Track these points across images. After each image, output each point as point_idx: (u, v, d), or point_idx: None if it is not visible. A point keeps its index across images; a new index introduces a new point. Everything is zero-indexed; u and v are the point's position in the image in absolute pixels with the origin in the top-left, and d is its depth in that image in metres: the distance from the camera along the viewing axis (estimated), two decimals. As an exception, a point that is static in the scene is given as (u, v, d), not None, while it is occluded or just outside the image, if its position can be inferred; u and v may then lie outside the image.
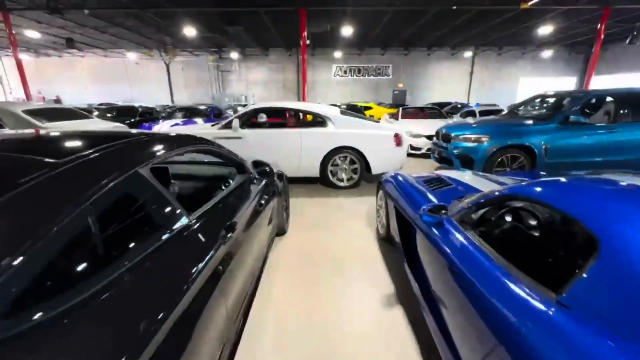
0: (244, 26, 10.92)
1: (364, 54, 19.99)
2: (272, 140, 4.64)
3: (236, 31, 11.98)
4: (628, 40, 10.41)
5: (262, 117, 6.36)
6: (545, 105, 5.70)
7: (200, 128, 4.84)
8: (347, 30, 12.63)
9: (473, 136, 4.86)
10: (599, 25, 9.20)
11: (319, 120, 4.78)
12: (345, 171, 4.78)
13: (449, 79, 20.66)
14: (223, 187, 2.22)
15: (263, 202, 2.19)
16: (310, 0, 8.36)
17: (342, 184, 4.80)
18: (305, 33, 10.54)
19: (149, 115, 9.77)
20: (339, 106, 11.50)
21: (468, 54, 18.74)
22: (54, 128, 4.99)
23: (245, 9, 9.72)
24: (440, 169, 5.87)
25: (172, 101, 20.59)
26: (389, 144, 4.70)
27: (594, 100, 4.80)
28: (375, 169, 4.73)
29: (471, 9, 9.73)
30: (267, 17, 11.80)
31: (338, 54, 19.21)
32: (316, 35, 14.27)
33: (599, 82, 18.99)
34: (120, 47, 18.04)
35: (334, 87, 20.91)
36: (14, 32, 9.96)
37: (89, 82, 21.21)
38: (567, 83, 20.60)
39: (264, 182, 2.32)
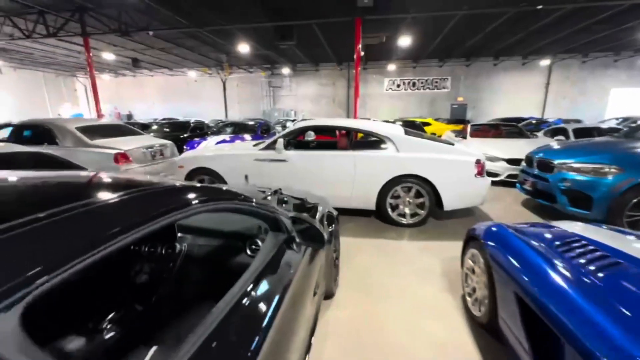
0: (296, 41, 10.66)
1: (419, 66, 18.76)
2: (320, 164, 3.90)
3: (288, 46, 11.82)
4: None
5: (310, 136, 5.72)
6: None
7: (242, 149, 4.31)
8: (404, 41, 11.72)
9: (591, 166, 3.57)
10: None
11: (377, 142, 3.93)
12: (409, 205, 3.82)
13: (518, 91, 18.34)
14: (248, 251, 1.48)
15: (305, 283, 1.39)
16: (368, 9, 7.69)
17: (404, 220, 3.84)
18: (360, 45, 9.89)
19: (200, 130, 9.84)
20: (393, 122, 10.57)
21: (544, 62, 16.40)
22: (101, 145, 4.89)
23: (298, 22, 9.42)
24: (528, 205, 4.57)
25: (226, 116, 21.44)
26: (467, 173, 3.65)
27: None
28: (448, 205, 3.70)
29: (561, 7, 8.16)
30: (320, 30, 11.45)
31: (391, 67, 18.28)
32: (370, 47, 13.59)
33: None
34: (182, 67, 19.37)
35: (385, 101, 19.92)
36: (91, 54, 10.94)
37: (156, 99, 23.18)
38: (677, 94, 16.88)
39: (308, 252, 1.52)
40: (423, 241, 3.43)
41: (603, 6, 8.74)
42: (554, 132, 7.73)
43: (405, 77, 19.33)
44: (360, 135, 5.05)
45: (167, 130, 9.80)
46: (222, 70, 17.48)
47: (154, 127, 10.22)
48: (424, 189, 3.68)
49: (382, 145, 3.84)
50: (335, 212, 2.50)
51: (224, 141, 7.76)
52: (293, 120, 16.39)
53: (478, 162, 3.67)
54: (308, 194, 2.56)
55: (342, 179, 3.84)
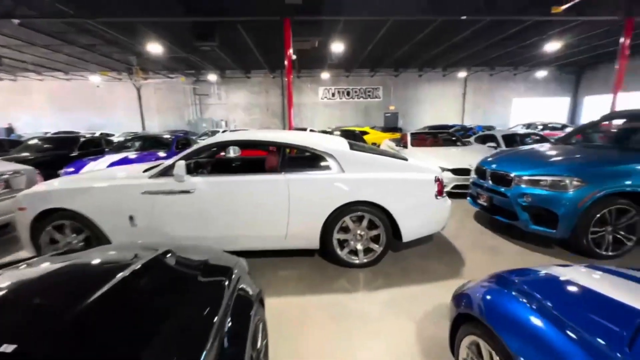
0: (218, 42, 9.37)
1: (352, 76, 18.92)
2: (240, 195, 2.81)
3: (211, 48, 10.43)
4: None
5: (233, 153, 4.57)
6: (621, 129, 4.18)
7: (126, 177, 2.96)
8: (337, 47, 11.34)
9: (549, 178, 3.21)
10: (622, 39, 8.19)
11: (316, 160, 3.01)
12: (362, 240, 2.98)
13: (441, 100, 19.80)
14: None
15: None
16: (297, 8, 6.94)
17: (356, 260, 2.98)
18: (291, 50, 9.10)
19: (96, 146, 7.80)
20: (331, 132, 9.90)
21: (460, 74, 17.96)
22: None
23: (217, 18, 8.19)
24: (482, 220, 4.17)
25: (143, 127, 18.62)
26: (427, 194, 2.98)
27: None
28: (408, 235, 2.96)
29: (481, 19, 8.57)
30: (246, 32, 10.35)
31: (325, 76, 18.03)
32: (302, 54, 12.96)
33: (593, 101, 18.54)
34: (83, 69, 16.17)
35: (322, 111, 19.59)
36: None
37: (49, 108, 19.02)
38: (561, 103, 20.12)
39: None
40: (385, 290, 2.59)
41: (510, 22, 9.54)
42: (484, 138, 7.92)
43: (339, 86, 19.30)
44: (299, 153, 4.11)
45: (48, 147, 7.52)
46: (134, 74, 15.00)
47: (32, 142, 7.79)
48: (379, 218, 2.88)
49: (323, 164, 2.95)
50: (255, 290, 1.49)
51: (124, 161, 6.07)
52: (224, 131, 14.80)
53: (437, 179, 3.03)
54: (212, 250, 1.54)
55: (273, 213, 2.82)
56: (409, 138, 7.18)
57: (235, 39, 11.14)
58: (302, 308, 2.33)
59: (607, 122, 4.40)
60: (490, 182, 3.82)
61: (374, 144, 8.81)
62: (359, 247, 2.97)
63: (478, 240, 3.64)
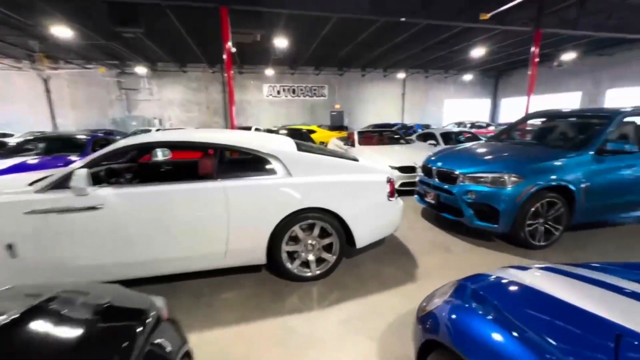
0: (144, 29, 8.26)
1: (297, 73, 18.64)
2: (166, 208, 2.32)
3: (135, 35, 9.17)
4: (556, 64, 11.00)
5: (161, 157, 3.93)
6: (546, 128, 4.60)
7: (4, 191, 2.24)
8: (280, 42, 10.92)
9: (490, 175, 3.32)
10: (532, 48, 9.31)
11: (259, 163, 2.65)
12: (313, 250, 2.71)
13: (383, 100, 20.66)
14: None
15: None
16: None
17: (308, 272, 2.70)
18: (230, 42, 8.43)
19: (-20, 150, 6.23)
20: (276, 131, 9.50)
21: (400, 75, 18.95)
22: None
23: (140, 0, 7.17)
24: (429, 217, 4.24)
25: (55, 126, 15.88)
26: (380, 196, 2.83)
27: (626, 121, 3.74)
28: (362, 241, 2.78)
29: (418, 22, 8.97)
30: (178, 19, 9.34)
31: (269, 72, 17.45)
32: (244, 48, 12.25)
33: (509, 103, 21.08)
34: (-35, 54, 13.08)
35: (267, 109, 18.96)
36: None
37: None
38: (484, 104, 22.54)
39: None
40: (341, 305, 2.36)
41: (444, 27, 10.22)
42: (424, 136, 8.32)
43: (284, 83, 18.86)
44: (241, 156, 3.67)
45: None
46: (37, 63, 12.52)
47: None
48: (331, 225, 2.63)
49: (268, 168, 2.60)
50: (176, 344, 1.11)
51: (18, 168, 4.92)
52: (157, 130, 13.31)
53: (389, 180, 2.90)
54: (117, 289, 1.15)
55: (208, 228, 2.38)
56: (356, 137, 7.15)
57: (167, 27, 10.01)
58: (250, 340, 1.97)
59: (530, 121, 4.83)
60: (436, 180, 3.87)
61: (322, 143, 8.66)
62: (311, 257, 2.69)
63: (428, 238, 3.65)
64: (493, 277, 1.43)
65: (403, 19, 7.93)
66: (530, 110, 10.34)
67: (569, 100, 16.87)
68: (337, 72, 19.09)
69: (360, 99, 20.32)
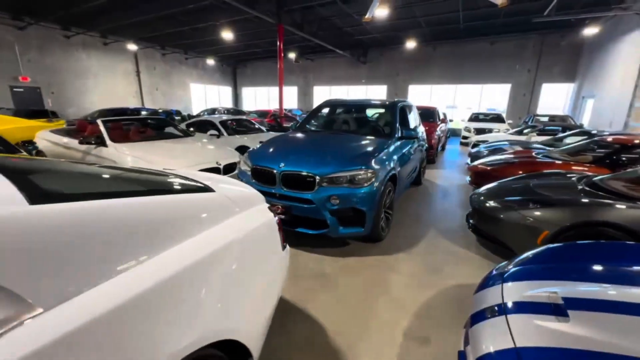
0: None
1: None
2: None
3: None
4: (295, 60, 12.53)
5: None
6: (335, 117, 4.77)
7: None
8: None
9: (349, 174, 2.83)
10: (278, 42, 10.05)
11: None
12: None
13: (111, 78, 15.62)
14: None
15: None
16: None
17: None
18: None
19: None
20: None
21: (130, 47, 14.83)
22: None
23: None
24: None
25: None
26: (273, 250, 1.52)
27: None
28: (256, 347, 1.37)
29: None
30: None
31: None
32: None
33: (248, 92, 23.04)
34: None
35: None
36: None
37: None
38: (227, 91, 23.12)
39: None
40: None
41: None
42: (201, 125, 6.84)
43: None
44: None
45: None
46: None
47: None
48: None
49: None
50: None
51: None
52: None
53: (275, 212, 1.63)
54: None
55: None
56: (102, 129, 4.44)
57: None
58: None
59: (327, 109, 4.89)
60: (282, 188, 2.90)
61: (26, 142, 4.70)
62: None
63: (296, 266, 2.69)
64: None
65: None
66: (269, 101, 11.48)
67: (287, 94, 20.78)
68: (10, 22, 11.83)
69: (72, 73, 14.09)
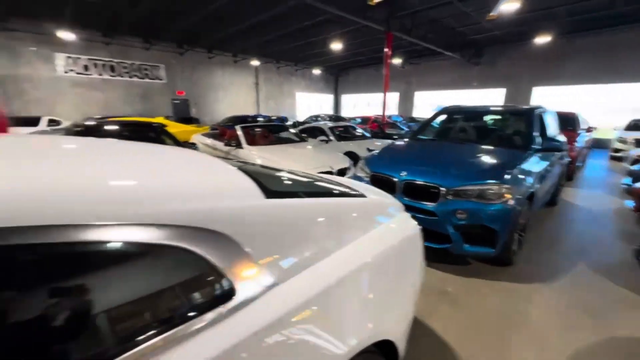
0: None
1: (115, 44, 13.61)
2: None
3: None
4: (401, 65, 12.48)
5: None
6: (459, 125, 4.47)
7: None
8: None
9: (479, 188, 2.62)
10: (385, 49, 10.10)
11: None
12: None
13: (235, 89, 18.54)
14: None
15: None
16: None
17: None
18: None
19: None
20: (82, 129, 6.31)
21: (253, 62, 17.32)
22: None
23: None
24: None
25: None
26: (415, 265, 1.53)
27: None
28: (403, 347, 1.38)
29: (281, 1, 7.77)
30: None
31: (67, 36, 11.76)
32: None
33: (348, 99, 23.73)
34: None
35: (69, 91, 12.99)
36: None
37: None
38: (328, 99, 24.43)
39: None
40: None
41: (313, 13, 9.57)
42: (311, 131, 7.41)
43: (95, 55, 13.37)
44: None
45: None
46: None
47: None
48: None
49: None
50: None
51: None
52: None
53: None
54: None
55: None
56: (240, 133, 5.30)
57: None
58: None
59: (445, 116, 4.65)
60: (403, 197, 2.89)
61: (188, 142, 6.11)
62: None
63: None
64: None
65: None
66: (385, 106, 11.45)
67: (389, 99, 20.52)
68: (176, 50, 15.35)
69: (211, 86, 17.38)
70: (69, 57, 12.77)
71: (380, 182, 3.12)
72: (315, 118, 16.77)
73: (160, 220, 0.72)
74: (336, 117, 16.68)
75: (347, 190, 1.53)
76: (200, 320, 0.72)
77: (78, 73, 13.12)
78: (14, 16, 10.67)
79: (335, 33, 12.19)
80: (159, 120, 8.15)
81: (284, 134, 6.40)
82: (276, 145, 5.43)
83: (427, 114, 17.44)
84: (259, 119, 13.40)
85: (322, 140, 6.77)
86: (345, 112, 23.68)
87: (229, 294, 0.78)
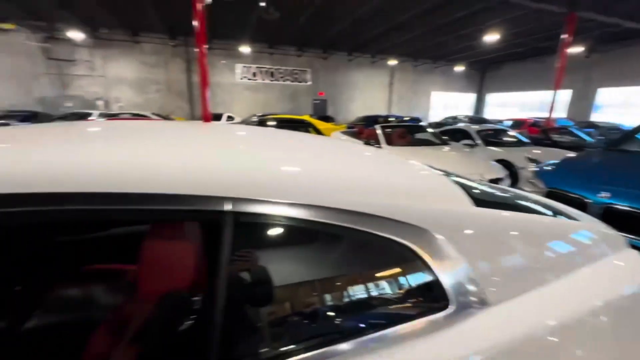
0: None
1: (277, 54, 16.24)
2: None
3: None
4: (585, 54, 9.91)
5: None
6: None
7: None
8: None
9: None
10: (563, 34, 8.09)
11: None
12: None
13: (369, 89, 19.00)
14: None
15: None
16: None
17: None
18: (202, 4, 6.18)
19: None
20: (258, 122, 7.57)
21: (390, 62, 17.29)
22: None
23: None
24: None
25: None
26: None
27: None
28: None
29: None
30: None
31: (245, 50, 14.85)
32: (216, 18, 9.75)
33: (494, 98, 20.53)
34: None
35: (241, 94, 16.40)
36: None
37: None
38: (468, 99, 21.86)
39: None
40: None
41: (462, 4, 8.69)
42: (452, 134, 6.76)
43: (261, 64, 16.37)
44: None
45: None
46: None
47: None
48: None
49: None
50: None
51: None
52: (107, 115, 10.46)
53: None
54: None
55: None
56: (380, 133, 5.36)
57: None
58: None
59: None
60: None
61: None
62: None
63: None
64: None
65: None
66: (554, 107, 9.27)
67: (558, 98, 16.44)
68: (321, 55, 16.98)
69: (347, 86, 18.45)
70: (245, 66, 16.09)
71: (562, 201, 2.51)
72: (454, 119, 15.30)
73: (392, 215, 0.75)
74: (478, 119, 14.72)
75: (559, 209, 1.29)
76: (411, 326, 0.72)
77: (249, 79, 16.39)
78: (214, 38, 14.22)
79: (492, 22, 10.65)
80: (306, 117, 9.25)
81: (422, 135, 6.09)
82: (415, 147, 5.22)
83: (611, 118, 13.22)
84: (390, 119, 13.28)
85: (465, 144, 6.08)
86: (488, 114, 20.61)
87: (444, 302, 0.75)
